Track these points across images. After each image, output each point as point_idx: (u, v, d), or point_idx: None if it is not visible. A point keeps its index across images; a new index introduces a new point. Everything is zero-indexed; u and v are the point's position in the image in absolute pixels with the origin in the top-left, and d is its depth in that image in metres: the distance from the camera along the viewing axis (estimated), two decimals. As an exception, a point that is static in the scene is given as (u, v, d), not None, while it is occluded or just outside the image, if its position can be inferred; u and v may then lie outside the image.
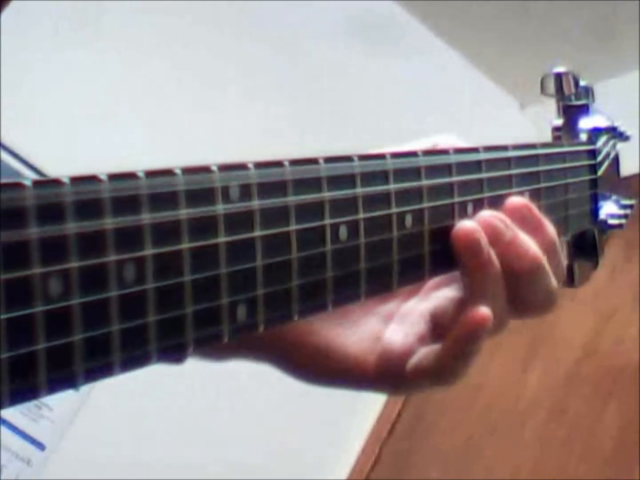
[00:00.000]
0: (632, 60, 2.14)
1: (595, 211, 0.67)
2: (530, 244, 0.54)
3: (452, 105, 2.49)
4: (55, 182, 0.32)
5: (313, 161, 0.44)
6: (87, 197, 0.33)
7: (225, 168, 0.39)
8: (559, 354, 2.01)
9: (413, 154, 0.50)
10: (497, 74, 2.52)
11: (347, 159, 0.46)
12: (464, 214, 0.52)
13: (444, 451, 2.13)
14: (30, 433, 2.01)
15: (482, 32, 2.49)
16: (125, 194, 0.35)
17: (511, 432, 2.00)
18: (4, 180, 0.31)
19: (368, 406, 2.27)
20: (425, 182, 0.50)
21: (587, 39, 2.23)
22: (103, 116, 2.24)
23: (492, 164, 0.55)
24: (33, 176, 1.97)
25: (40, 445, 2.02)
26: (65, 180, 0.33)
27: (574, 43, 2.25)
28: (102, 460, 1.90)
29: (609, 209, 0.68)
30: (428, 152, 0.50)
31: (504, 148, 0.56)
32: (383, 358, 0.56)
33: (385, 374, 0.55)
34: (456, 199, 0.52)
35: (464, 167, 0.53)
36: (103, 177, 0.34)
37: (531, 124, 2.28)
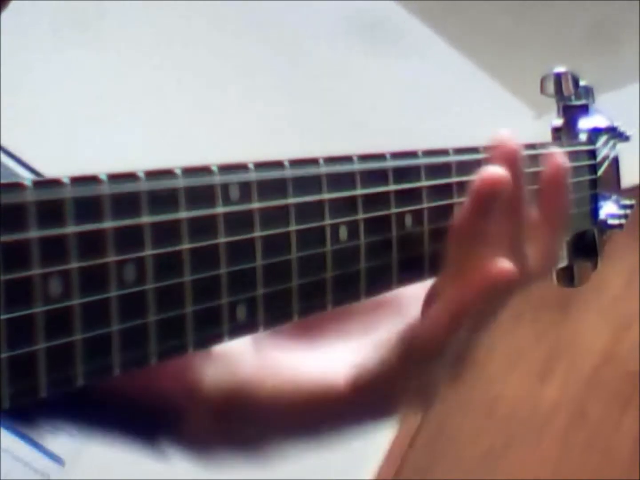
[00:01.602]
0: (632, 73, 2.14)
1: (595, 211, 0.67)
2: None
3: (453, 106, 2.49)
4: (56, 183, 0.32)
5: (313, 161, 0.44)
6: (87, 197, 0.33)
7: (225, 168, 0.39)
8: (577, 362, 1.99)
9: (413, 153, 0.50)
10: (505, 78, 2.52)
11: (347, 159, 0.46)
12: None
13: (464, 463, 2.12)
14: (50, 448, 2.00)
15: (484, 32, 2.49)
16: (125, 194, 0.35)
17: (531, 440, 1.99)
18: (4, 181, 0.31)
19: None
20: (425, 182, 0.50)
21: (589, 50, 2.23)
22: (103, 116, 2.24)
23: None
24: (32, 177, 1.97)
25: (59, 460, 2.01)
26: (66, 180, 0.33)
27: (578, 52, 2.24)
28: (121, 475, 1.87)
29: (608, 209, 0.68)
30: (428, 152, 0.51)
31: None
32: (357, 371, 0.52)
33: (365, 388, 0.52)
34: (456, 199, 0.52)
35: (464, 167, 0.53)
36: (103, 177, 0.34)
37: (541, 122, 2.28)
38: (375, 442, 2.30)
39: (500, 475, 2.00)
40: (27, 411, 0.58)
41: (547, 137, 0.67)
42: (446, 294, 0.50)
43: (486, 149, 0.53)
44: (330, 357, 0.54)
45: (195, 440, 0.56)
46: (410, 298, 0.54)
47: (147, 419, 0.57)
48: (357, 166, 0.46)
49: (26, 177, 0.32)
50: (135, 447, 0.58)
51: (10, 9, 1.93)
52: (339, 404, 0.52)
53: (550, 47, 2.27)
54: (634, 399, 1.84)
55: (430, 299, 0.51)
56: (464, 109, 2.48)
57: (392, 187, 0.48)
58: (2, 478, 2.03)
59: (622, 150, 0.72)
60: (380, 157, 0.48)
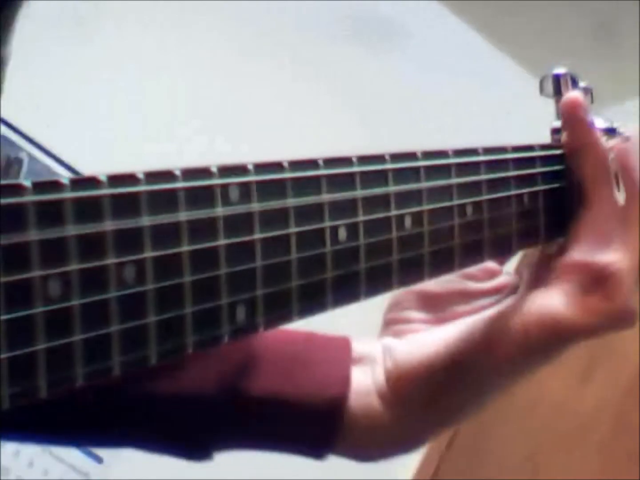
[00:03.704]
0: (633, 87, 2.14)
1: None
2: None
3: (453, 105, 2.49)
4: (55, 184, 0.33)
5: (312, 162, 0.44)
6: (87, 198, 0.33)
7: (224, 169, 0.39)
8: (618, 367, 1.98)
9: (412, 155, 0.50)
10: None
11: (347, 160, 0.46)
12: (463, 216, 0.52)
13: (503, 467, 2.11)
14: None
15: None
16: (125, 195, 0.35)
17: (572, 446, 1.97)
18: (4, 182, 0.31)
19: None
20: (424, 183, 0.50)
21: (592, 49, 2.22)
22: (102, 117, 2.24)
23: (492, 165, 0.55)
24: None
25: (98, 459, 2.01)
26: (65, 181, 0.33)
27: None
28: (161, 473, 1.84)
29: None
30: (427, 154, 0.51)
31: (503, 150, 0.56)
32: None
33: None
34: (455, 201, 0.52)
35: (464, 169, 0.53)
36: (103, 178, 0.34)
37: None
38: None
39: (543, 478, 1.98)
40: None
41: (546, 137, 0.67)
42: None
43: (486, 150, 0.53)
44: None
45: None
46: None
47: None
48: (356, 167, 0.46)
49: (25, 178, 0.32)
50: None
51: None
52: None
53: (552, 49, 2.27)
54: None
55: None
56: (463, 108, 2.48)
57: (392, 189, 0.48)
58: (42, 478, 2.03)
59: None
60: (379, 158, 0.48)
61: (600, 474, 1.88)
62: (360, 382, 0.58)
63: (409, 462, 2.28)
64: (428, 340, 0.58)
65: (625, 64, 2.18)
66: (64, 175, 2.21)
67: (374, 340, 0.61)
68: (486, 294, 0.61)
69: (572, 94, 0.61)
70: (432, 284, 0.61)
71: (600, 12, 2.17)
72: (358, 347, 0.60)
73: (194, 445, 0.59)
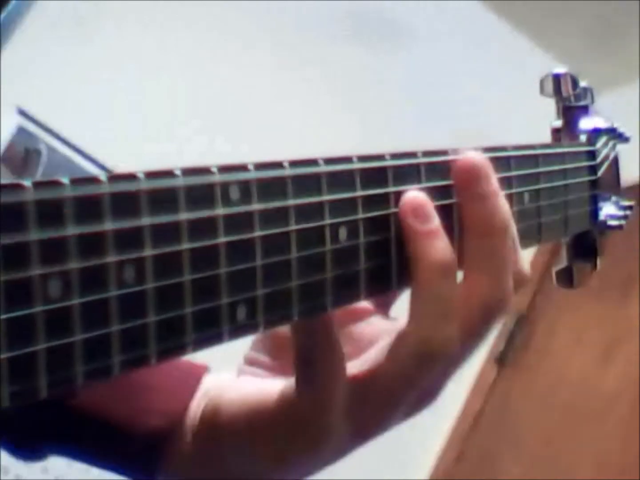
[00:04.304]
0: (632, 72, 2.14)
1: (594, 212, 0.67)
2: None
3: (453, 104, 2.49)
4: (55, 183, 0.33)
5: (312, 162, 0.44)
6: (87, 198, 0.33)
7: (225, 169, 0.39)
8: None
9: (412, 154, 0.50)
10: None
11: (347, 159, 0.46)
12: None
13: (527, 447, 2.11)
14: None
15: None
16: (125, 194, 0.35)
17: (594, 425, 1.97)
18: (4, 181, 0.31)
19: (449, 403, 2.26)
20: (424, 183, 0.50)
21: (588, 49, 2.23)
22: (102, 117, 2.25)
23: (492, 164, 0.55)
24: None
25: None
26: (65, 181, 0.33)
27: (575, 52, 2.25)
28: None
29: (608, 210, 0.68)
30: (427, 153, 0.51)
31: (503, 148, 0.56)
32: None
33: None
34: (455, 201, 0.52)
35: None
36: (103, 178, 0.34)
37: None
38: (438, 424, 2.29)
39: (562, 460, 1.98)
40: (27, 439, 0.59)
41: (545, 137, 0.68)
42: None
43: (486, 150, 0.53)
44: None
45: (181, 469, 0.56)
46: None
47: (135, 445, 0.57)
48: (356, 166, 0.46)
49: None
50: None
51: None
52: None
53: (552, 49, 2.27)
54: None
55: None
56: (463, 108, 2.48)
57: (392, 188, 0.48)
58: (42, 477, 2.03)
59: (622, 150, 0.72)
60: (379, 157, 0.48)
61: (622, 450, 1.87)
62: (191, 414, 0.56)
63: (435, 441, 2.28)
64: (242, 389, 0.54)
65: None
66: (84, 167, 2.21)
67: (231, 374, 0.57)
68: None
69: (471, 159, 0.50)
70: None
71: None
72: (211, 379, 0.58)
73: (25, 443, 0.58)
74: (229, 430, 0.53)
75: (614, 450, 1.91)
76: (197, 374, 0.59)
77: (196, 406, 0.57)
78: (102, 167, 2.19)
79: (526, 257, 0.54)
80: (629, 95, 2.17)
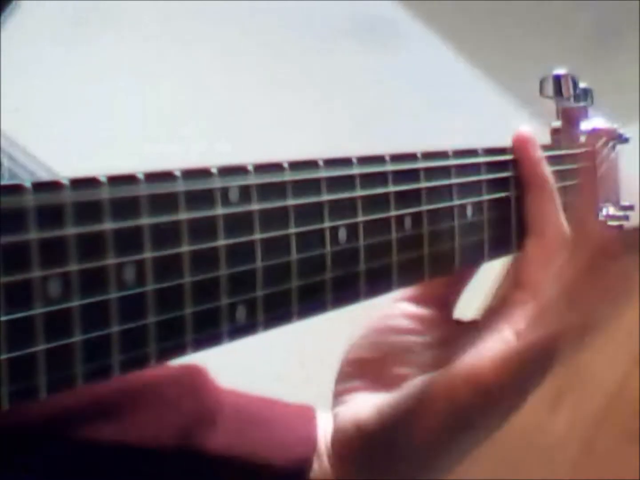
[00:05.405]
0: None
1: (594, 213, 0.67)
2: None
3: (450, 105, 2.49)
4: (55, 185, 0.33)
5: (312, 163, 0.44)
6: (87, 199, 0.33)
7: (224, 170, 0.39)
8: (588, 395, 1.98)
9: (412, 156, 0.50)
10: (505, 80, 2.52)
11: (346, 161, 0.46)
12: (463, 216, 0.52)
13: None
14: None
15: (484, 33, 2.49)
16: (125, 196, 0.35)
17: (538, 470, 1.98)
18: (4, 183, 0.31)
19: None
20: (424, 184, 0.50)
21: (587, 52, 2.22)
22: (102, 117, 2.24)
23: (491, 166, 0.55)
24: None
25: None
26: (65, 182, 0.33)
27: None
28: None
29: (608, 211, 0.68)
30: (427, 155, 0.51)
31: (503, 150, 0.56)
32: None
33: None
34: (455, 202, 0.52)
35: (463, 170, 0.53)
36: (103, 179, 0.34)
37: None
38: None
39: None
40: None
41: (544, 137, 0.67)
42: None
43: (486, 151, 0.53)
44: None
45: None
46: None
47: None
48: (356, 168, 0.46)
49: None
50: None
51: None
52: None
53: (552, 48, 2.27)
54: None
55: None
56: (462, 108, 2.48)
57: (392, 189, 0.48)
58: None
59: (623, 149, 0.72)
60: (379, 159, 0.48)
61: None
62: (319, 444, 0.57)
63: None
64: (361, 406, 0.56)
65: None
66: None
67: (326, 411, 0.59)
68: (429, 347, 0.58)
69: (523, 130, 0.58)
70: (365, 350, 0.58)
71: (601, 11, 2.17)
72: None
73: None
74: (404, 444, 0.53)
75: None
76: (306, 408, 0.60)
77: (322, 436, 0.57)
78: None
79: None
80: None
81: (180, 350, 0.38)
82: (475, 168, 0.54)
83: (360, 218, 0.46)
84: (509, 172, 0.56)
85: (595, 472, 1.86)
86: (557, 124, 0.67)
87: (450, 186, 0.51)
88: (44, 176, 2.10)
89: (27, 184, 0.31)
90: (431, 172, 0.50)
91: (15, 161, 2.12)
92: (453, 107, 2.48)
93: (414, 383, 0.54)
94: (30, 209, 0.31)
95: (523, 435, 2.07)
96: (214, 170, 0.39)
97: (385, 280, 0.48)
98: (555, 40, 2.34)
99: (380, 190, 0.47)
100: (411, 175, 0.49)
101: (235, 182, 0.40)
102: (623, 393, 1.92)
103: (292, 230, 0.42)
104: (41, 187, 0.32)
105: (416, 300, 0.58)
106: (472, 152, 0.54)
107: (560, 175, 0.61)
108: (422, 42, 2.54)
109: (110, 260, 0.34)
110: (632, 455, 1.82)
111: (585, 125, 0.67)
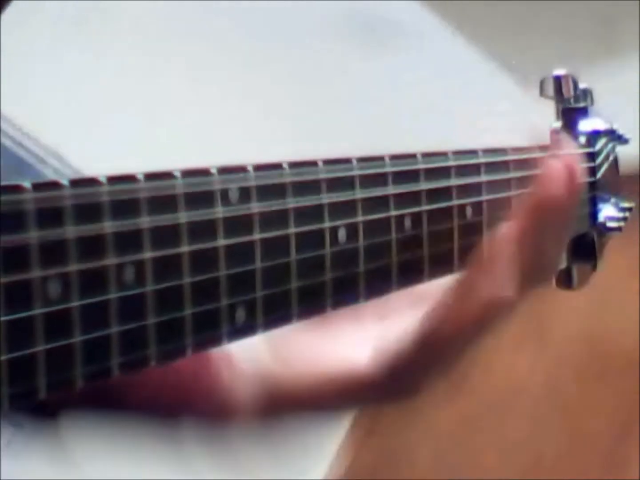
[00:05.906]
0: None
1: (594, 214, 0.67)
2: None
3: (453, 104, 2.49)
4: (55, 185, 0.33)
5: (312, 164, 0.44)
6: (87, 199, 0.33)
7: (224, 170, 0.39)
8: (551, 337, 2.03)
9: (412, 156, 0.50)
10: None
11: (346, 161, 0.46)
12: (462, 217, 0.53)
13: (435, 432, 2.14)
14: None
15: (488, 30, 2.49)
16: (125, 196, 0.35)
17: (505, 410, 2.02)
18: (3, 183, 0.31)
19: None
20: (424, 185, 0.50)
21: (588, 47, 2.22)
22: (102, 117, 2.25)
23: (492, 166, 0.55)
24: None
25: None
26: (65, 182, 0.33)
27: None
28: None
29: (608, 211, 0.68)
30: (427, 155, 0.51)
31: (503, 151, 0.56)
32: (379, 354, 0.54)
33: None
34: (455, 202, 0.52)
35: (463, 170, 0.53)
36: (102, 179, 0.34)
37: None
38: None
39: (473, 444, 2.02)
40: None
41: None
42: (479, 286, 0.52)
43: (486, 152, 0.53)
44: (350, 343, 0.55)
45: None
46: (428, 287, 0.55)
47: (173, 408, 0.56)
48: (356, 169, 0.46)
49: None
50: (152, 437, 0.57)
51: (11, 9, 1.93)
52: (361, 385, 0.54)
53: (559, 39, 2.27)
54: (607, 377, 1.87)
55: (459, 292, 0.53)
56: (464, 107, 2.48)
57: (391, 190, 0.48)
58: None
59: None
60: (379, 159, 0.48)
61: (531, 436, 1.92)
62: None
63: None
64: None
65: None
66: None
67: None
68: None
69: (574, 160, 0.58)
70: None
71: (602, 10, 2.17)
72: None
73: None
74: (288, 403, 0.55)
75: (524, 431, 1.95)
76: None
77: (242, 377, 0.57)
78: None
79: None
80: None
81: (180, 351, 0.38)
82: (475, 168, 0.54)
83: (360, 218, 0.46)
84: (509, 173, 0.56)
85: (560, 413, 1.90)
86: (557, 124, 0.67)
87: (450, 187, 0.51)
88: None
89: (27, 183, 0.31)
90: (431, 173, 0.50)
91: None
92: (469, 102, 2.48)
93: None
94: (30, 209, 0.31)
95: (486, 380, 2.11)
96: (213, 171, 0.39)
97: (385, 281, 0.48)
98: (560, 38, 2.34)
99: (380, 190, 0.47)
100: (411, 175, 0.49)
101: (235, 183, 0.40)
102: (589, 336, 1.96)
103: (292, 230, 0.42)
104: (41, 187, 0.32)
105: None
106: (472, 153, 0.54)
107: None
108: (435, 41, 2.54)
109: (110, 261, 0.34)
110: (594, 394, 1.86)
111: (585, 126, 0.68)
